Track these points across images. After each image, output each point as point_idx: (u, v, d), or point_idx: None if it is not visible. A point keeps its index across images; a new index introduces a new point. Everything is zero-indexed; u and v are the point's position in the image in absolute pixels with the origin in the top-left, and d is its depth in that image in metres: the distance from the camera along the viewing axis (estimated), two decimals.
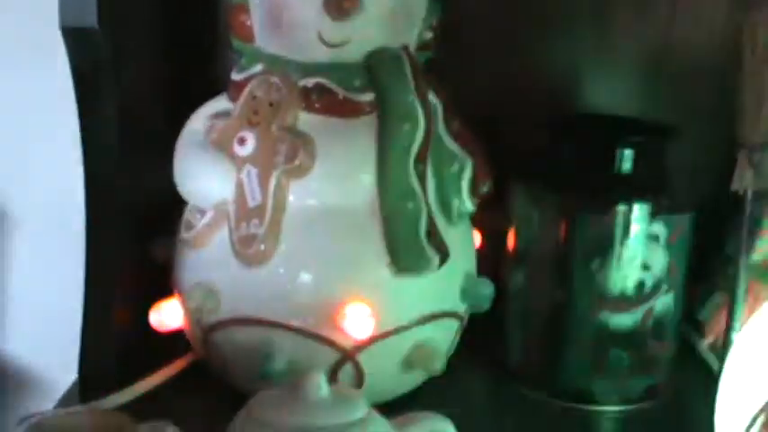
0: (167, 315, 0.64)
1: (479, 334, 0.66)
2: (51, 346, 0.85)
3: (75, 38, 0.59)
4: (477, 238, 0.68)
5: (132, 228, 0.66)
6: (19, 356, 0.87)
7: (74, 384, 0.66)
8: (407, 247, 0.59)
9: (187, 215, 0.62)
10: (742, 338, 0.52)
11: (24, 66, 0.81)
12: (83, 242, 0.68)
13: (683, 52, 0.78)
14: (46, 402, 0.81)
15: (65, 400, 0.65)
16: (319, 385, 0.49)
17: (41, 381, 0.87)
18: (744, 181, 0.62)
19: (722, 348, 0.64)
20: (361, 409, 0.50)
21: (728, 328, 0.65)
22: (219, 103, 0.63)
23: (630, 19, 0.78)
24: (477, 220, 0.66)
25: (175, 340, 0.66)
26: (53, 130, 0.81)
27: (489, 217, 0.66)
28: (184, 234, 0.62)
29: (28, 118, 0.82)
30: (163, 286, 0.65)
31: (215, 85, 0.67)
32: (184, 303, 0.61)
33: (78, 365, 0.65)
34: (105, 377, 0.64)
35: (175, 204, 0.64)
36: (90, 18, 0.58)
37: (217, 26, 0.75)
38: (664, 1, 0.77)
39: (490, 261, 0.68)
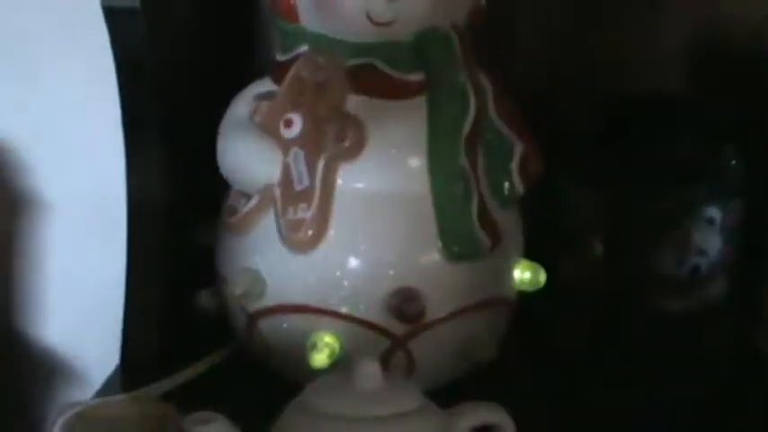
0: (210, 301, 0.64)
1: (529, 320, 0.66)
2: (88, 335, 0.85)
3: (116, 17, 0.59)
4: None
5: (173, 214, 0.66)
6: (56, 345, 0.87)
7: (113, 373, 0.67)
8: (459, 232, 0.59)
9: (231, 200, 0.63)
10: None
11: (64, 51, 0.81)
12: (119, 230, 0.69)
13: (732, 33, 0.77)
14: (84, 391, 0.82)
15: (105, 389, 0.66)
16: (373, 374, 0.49)
17: (79, 369, 0.87)
18: None
19: None
20: (415, 399, 0.49)
21: None
22: (263, 86, 0.63)
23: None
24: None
25: (217, 328, 0.66)
26: (91, 117, 0.81)
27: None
28: (228, 219, 0.62)
29: (66, 104, 0.82)
30: (204, 272, 0.65)
31: (257, 67, 0.68)
32: (229, 290, 0.61)
33: (120, 353, 0.66)
34: (147, 365, 0.65)
35: (217, 191, 0.64)
36: None
37: (258, 7, 0.75)
38: None
39: (540, 244, 0.67)
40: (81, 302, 0.85)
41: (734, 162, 0.66)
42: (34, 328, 0.87)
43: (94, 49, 0.75)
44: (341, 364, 0.57)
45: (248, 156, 0.60)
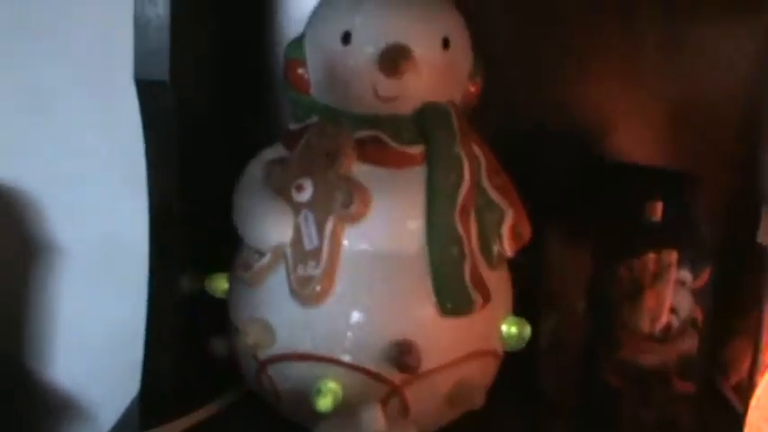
0: (222, 347, 0.67)
1: (516, 369, 0.69)
2: (99, 377, 0.87)
3: (147, 88, 0.62)
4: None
5: (192, 263, 0.69)
6: (66, 387, 0.89)
7: (126, 413, 0.69)
8: (453, 290, 0.61)
9: (245, 255, 0.64)
10: (765, 381, 0.56)
11: (82, 101, 0.84)
12: (131, 275, 0.72)
13: (709, 102, 0.80)
14: None
15: (121, 428, 0.68)
16: (376, 417, 0.52)
17: (89, 411, 0.89)
18: None
19: (746, 390, 0.68)
20: None
21: (752, 371, 0.68)
22: (276, 151, 0.66)
23: (657, 67, 0.81)
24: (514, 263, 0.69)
25: (229, 371, 0.68)
26: (106, 165, 0.84)
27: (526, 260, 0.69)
28: (242, 273, 0.64)
29: (82, 151, 0.84)
30: (218, 320, 0.68)
31: (267, 132, 0.71)
32: (240, 338, 0.63)
33: (140, 392, 0.68)
34: (165, 405, 0.67)
35: (231, 242, 0.67)
36: (162, 72, 0.62)
37: (272, 78, 0.79)
38: (689, 48, 0.80)
39: (526, 301, 0.70)
40: (92, 346, 0.87)
41: (704, 228, 0.70)
42: (45, 370, 0.88)
43: (111, 100, 0.80)
44: (343, 408, 0.60)
45: (262, 216, 0.63)
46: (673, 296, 0.68)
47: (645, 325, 0.68)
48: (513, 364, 0.68)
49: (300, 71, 0.65)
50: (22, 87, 0.84)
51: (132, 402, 0.70)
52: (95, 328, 0.87)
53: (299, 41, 0.66)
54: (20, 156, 0.85)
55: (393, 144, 0.63)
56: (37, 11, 0.83)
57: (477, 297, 0.62)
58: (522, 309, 0.68)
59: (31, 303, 0.87)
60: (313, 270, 0.61)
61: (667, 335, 0.68)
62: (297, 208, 0.62)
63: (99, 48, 0.82)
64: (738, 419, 0.56)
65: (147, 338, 0.67)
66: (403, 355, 0.60)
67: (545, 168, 0.78)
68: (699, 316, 0.69)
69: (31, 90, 0.84)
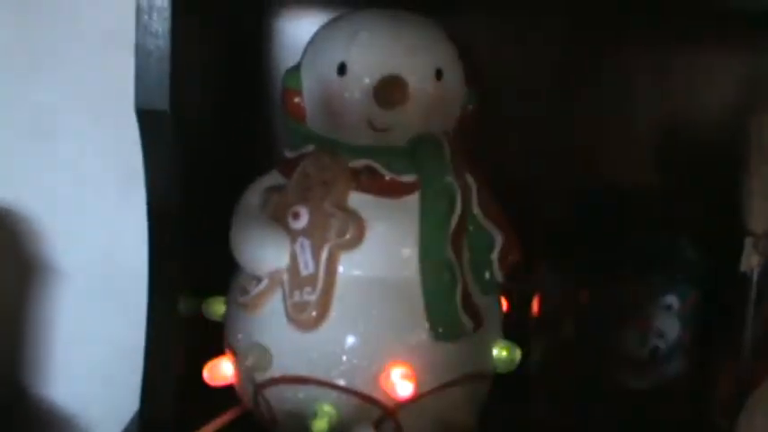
0: (219, 372, 0.68)
1: (507, 391, 0.69)
2: (96, 398, 0.88)
3: (148, 118, 0.64)
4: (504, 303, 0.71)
5: (190, 286, 0.70)
6: (65, 406, 0.89)
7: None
8: (444, 315, 0.62)
9: (242, 281, 0.65)
10: (751, 404, 0.57)
11: (82, 124, 0.85)
12: (130, 298, 0.73)
13: (696, 127, 0.82)
14: None
15: None
16: None
17: (87, 430, 0.90)
18: (751, 263, 0.67)
19: (732, 414, 0.69)
20: None
21: (738, 394, 0.69)
22: (272, 179, 0.67)
23: (647, 94, 0.82)
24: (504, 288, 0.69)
25: (227, 392, 0.69)
26: (105, 193, 0.86)
27: (516, 285, 0.70)
28: (240, 298, 0.65)
29: (84, 179, 0.86)
30: (216, 342, 0.69)
31: (265, 160, 0.72)
32: (238, 361, 0.64)
33: (139, 412, 0.69)
34: (163, 425, 0.68)
35: (229, 267, 0.68)
36: (162, 102, 0.63)
37: (268, 107, 0.81)
38: (679, 76, 0.81)
39: (516, 325, 0.71)
40: (91, 365, 0.88)
41: (691, 254, 0.72)
42: (44, 390, 0.89)
43: (111, 122, 0.81)
44: (338, 431, 0.61)
45: (259, 242, 0.64)
46: (660, 321, 0.69)
47: (633, 349, 0.69)
48: (504, 387, 0.69)
49: (297, 100, 0.67)
50: (23, 111, 0.85)
51: (130, 422, 0.71)
52: (94, 348, 0.88)
53: (295, 71, 0.67)
54: (20, 178, 0.86)
55: (387, 174, 0.63)
56: (39, 36, 0.84)
57: (468, 322, 0.63)
58: (512, 333, 0.69)
59: (31, 323, 0.88)
60: (309, 296, 0.62)
61: (655, 358, 0.69)
62: (293, 235, 0.63)
63: (100, 73, 0.84)
64: None
65: (146, 358, 0.68)
66: (396, 379, 0.61)
67: (536, 194, 0.80)
68: (686, 340, 0.70)
69: (32, 114, 0.85)
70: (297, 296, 0.62)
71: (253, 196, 0.67)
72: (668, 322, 0.70)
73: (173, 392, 0.69)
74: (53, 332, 0.88)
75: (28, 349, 0.88)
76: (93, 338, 0.88)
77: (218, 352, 0.69)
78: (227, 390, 0.69)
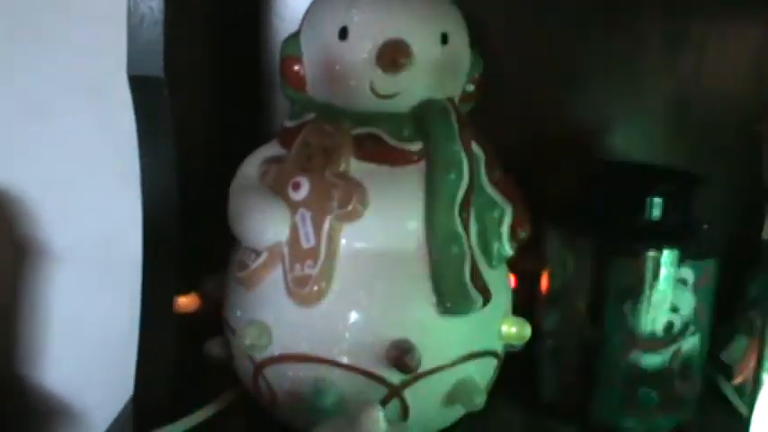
0: (218, 349, 0.66)
1: (516, 371, 0.68)
2: (92, 381, 0.88)
3: (141, 85, 0.61)
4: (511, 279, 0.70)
5: (187, 263, 0.68)
6: (59, 390, 0.89)
7: (119, 418, 0.68)
8: (453, 289, 0.60)
9: (240, 255, 0.63)
10: None
11: (77, 104, 0.84)
12: (126, 279, 0.71)
13: (711, 99, 0.81)
14: None
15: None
16: (378, 420, 0.51)
17: (81, 415, 0.89)
18: None
19: (751, 390, 0.67)
20: None
21: (758, 371, 0.67)
22: (272, 149, 0.66)
23: (659, 66, 0.81)
24: (512, 262, 0.68)
25: (225, 373, 0.68)
26: (101, 174, 0.84)
27: (525, 259, 0.68)
28: (238, 273, 0.63)
29: (79, 160, 0.85)
30: (214, 321, 0.67)
31: (264, 129, 0.71)
32: (236, 340, 0.62)
33: (133, 397, 0.67)
34: (158, 409, 0.66)
35: (227, 243, 0.66)
36: (156, 68, 0.61)
37: (267, 75, 0.79)
38: (691, 47, 0.80)
39: (524, 301, 0.70)
40: (85, 349, 0.87)
41: (706, 226, 0.70)
42: (38, 374, 0.89)
43: (107, 103, 0.80)
44: (342, 410, 0.59)
45: (258, 215, 0.62)
46: (674, 295, 0.67)
47: (646, 325, 0.67)
48: (514, 364, 0.68)
49: (297, 68, 0.65)
50: (18, 90, 0.84)
51: (125, 407, 0.69)
52: (89, 332, 0.87)
53: (295, 38, 0.66)
54: (14, 158, 0.85)
55: (391, 141, 0.62)
56: (32, 13, 0.82)
57: (477, 296, 0.61)
58: (522, 308, 0.68)
59: (25, 306, 0.87)
60: (310, 269, 0.60)
61: (669, 334, 0.67)
62: (293, 206, 0.61)
63: (95, 50, 0.82)
64: (742, 421, 0.55)
65: (140, 342, 0.66)
66: (402, 355, 0.59)
67: (545, 167, 0.78)
68: (701, 315, 0.68)
69: (27, 93, 0.84)
70: (298, 270, 0.60)
71: (251, 167, 0.65)
72: (683, 297, 0.68)
73: (167, 378, 0.67)
74: (47, 315, 0.88)
75: (21, 333, 0.87)
76: (89, 321, 0.87)
77: (213, 336, 0.67)
78: (224, 371, 0.67)
